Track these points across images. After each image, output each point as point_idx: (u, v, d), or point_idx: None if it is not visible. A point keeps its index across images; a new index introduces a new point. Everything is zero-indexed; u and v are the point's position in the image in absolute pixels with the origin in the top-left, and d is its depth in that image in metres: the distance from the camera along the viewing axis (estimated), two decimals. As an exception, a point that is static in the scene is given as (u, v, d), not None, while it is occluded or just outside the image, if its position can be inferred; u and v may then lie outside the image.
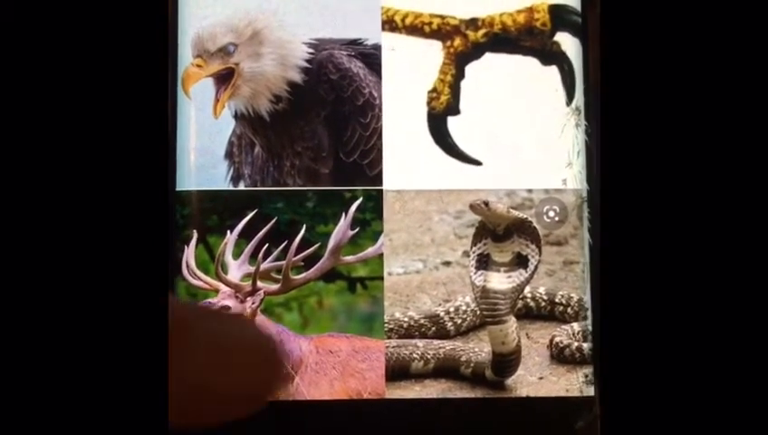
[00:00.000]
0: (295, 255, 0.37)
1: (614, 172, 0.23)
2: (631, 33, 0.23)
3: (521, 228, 0.37)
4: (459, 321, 0.39)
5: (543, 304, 0.39)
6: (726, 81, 0.23)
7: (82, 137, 0.16)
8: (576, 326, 0.38)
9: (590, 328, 0.38)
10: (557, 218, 0.38)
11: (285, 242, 0.38)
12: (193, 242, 0.38)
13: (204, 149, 0.38)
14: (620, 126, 0.23)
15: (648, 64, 0.23)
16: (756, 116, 0.22)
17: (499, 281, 0.37)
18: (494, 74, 0.39)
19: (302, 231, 0.38)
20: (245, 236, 0.38)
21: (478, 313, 0.38)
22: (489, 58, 0.39)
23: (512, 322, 0.37)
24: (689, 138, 0.22)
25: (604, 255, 0.24)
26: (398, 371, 0.37)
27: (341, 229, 0.38)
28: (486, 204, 0.37)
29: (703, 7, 0.23)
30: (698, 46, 0.23)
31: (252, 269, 0.37)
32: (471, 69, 0.39)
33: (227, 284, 0.37)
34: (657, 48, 0.23)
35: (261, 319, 0.37)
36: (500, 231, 0.37)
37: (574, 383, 0.37)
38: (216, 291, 0.37)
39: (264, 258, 0.38)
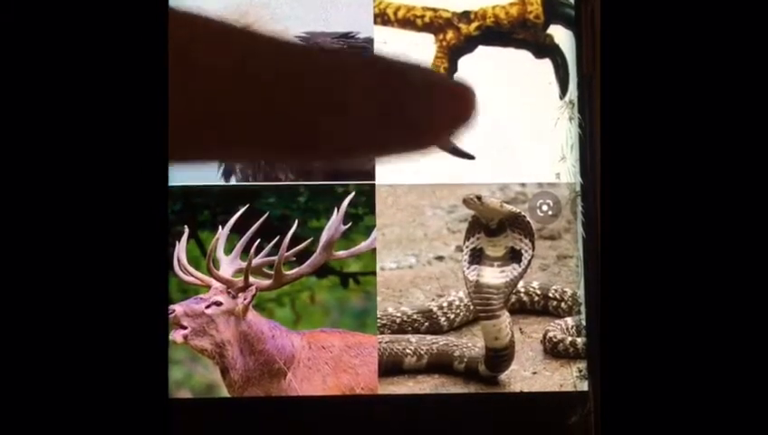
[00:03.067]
0: (287, 250, 0.37)
1: (609, 166, 0.23)
2: (626, 25, 0.23)
3: (514, 223, 0.37)
4: (452, 316, 0.39)
5: (537, 298, 0.39)
6: (722, 74, 0.22)
7: (72, 132, 0.16)
8: (570, 321, 0.38)
9: (583, 323, 0.38)
10: (550, 212, 0.38)
11: (277, 237, 0.37)
12: (184, 238, 0.37)
13: (195, 143, 0.38)
14: (615, 119, 0.23)
15: (643, 56, 0.23)
16: (750, 109, 0.22)
17: (492, 276, 0.37)
18: (486, 68, 0.38)
19: (294, 226, 0.37)
20: (237, 231, 0.38)
21: (471, 308, 0.38)
22: (482, 51, 0.39)
23: (505, 317, 0.37)
24: (684, 130, 0.22)
25: (598, 249, 0.24)
26: (390, 366, 0.37)
27: (334, 224, 0.38)
28: (479, 198, 0.36)
29: (698, 1, 0.23)
30: (694, 39, 0.22)
31: (244, 265, 0.37)
32: (464, 62, 0.39)
33: (219, 279, 0.37)
34: (652, 40, 0.23)
35: (253, 315, 0.37)
36: (493, 226, 0.37)
37: (568, 378, 0.37)
38: (208, 287, 0.37)
39: (257, 254, 0.37)
